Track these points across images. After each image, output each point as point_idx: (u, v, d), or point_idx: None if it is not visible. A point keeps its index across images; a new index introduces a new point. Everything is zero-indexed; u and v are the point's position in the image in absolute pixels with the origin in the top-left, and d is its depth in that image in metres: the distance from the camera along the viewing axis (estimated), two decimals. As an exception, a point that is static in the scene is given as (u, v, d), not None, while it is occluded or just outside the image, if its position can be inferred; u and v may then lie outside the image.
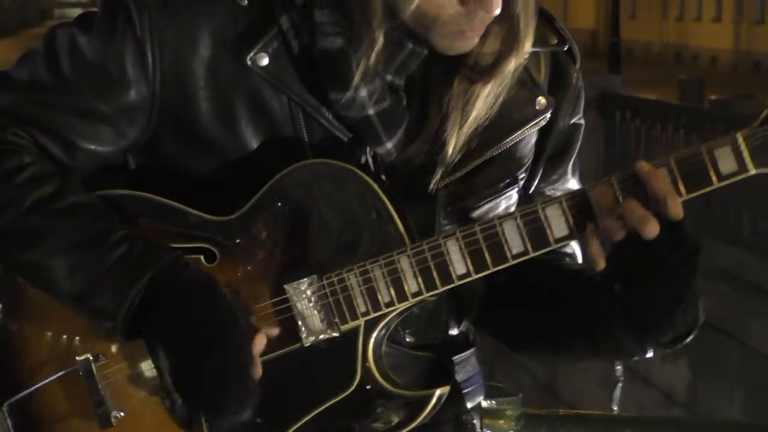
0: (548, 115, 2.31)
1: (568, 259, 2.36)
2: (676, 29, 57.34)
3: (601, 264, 2.11)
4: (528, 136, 2.31)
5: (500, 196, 2.28)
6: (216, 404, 2.01)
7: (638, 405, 14.12)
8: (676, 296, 2.10)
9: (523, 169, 2.32)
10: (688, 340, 2.26)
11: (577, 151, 2.39)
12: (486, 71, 2.21)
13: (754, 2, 56.32)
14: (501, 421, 2.50)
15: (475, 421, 2.33)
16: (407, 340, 2.23)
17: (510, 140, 2.27)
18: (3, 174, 2.11)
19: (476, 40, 2.19)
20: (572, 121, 2.39)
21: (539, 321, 2.30)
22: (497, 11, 2.14)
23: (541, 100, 2.29)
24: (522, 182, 2.33)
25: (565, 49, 2.36)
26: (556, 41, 2.33)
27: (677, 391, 14.13)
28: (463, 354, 2.29)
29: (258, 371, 2.05)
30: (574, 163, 2.38)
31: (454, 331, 2.31)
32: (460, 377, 2.29)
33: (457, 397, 2.26)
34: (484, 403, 2.42)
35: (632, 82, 31.15)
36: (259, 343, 2.07)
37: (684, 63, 50.82)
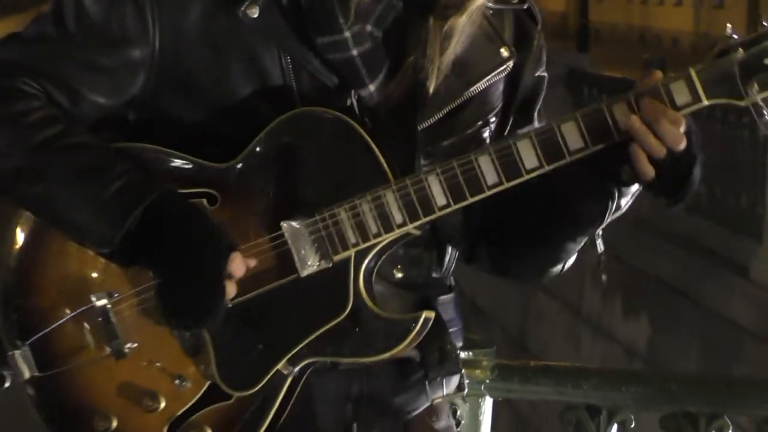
0: (511, 63, 2.32)
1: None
2: (640, 12, 56.76)
3: None
4: (495, 83, 2.33)
5: (474, 137, 2.28)
6: (191, 313, 2.06)
7: (603, 358, 14.11)
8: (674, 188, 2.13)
9: (493, 113, 2.34)
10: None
11: (542, 99, 2.41)
12: (458, 6, 2.23)
13: None
14: (477, 371, 2.51)
15: (458, 352, 2.34)
16: (396, 276, 2.24)
17: (479, 86, 2.29)
18: (12, 117, 2.14)
19: None
20: (536, 74, 2.42)
21: (519, 228, 2.33)
22: None
23: (504, 52, 2.31)
24: (493, 125, 2.34)
25: (525, 7, 2.38)
26: (516, 0, 2.36)
27: (638, 346, 14.12)
28: (443, 297, 2.31)
29: (231, 290, 2.07)
30: (539, 111, 2.41)
31: (436, 274, 2.32)
32: (442, 317, 2.31)
33: (441, 329, 2.26)
34: (462, 354, 2.44)
35: (599, 61, 30.98)
36: (239, 268, 2.07)
37: (648, 44, 50.24)
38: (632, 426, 2.59)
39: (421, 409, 2.38)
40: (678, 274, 13.76)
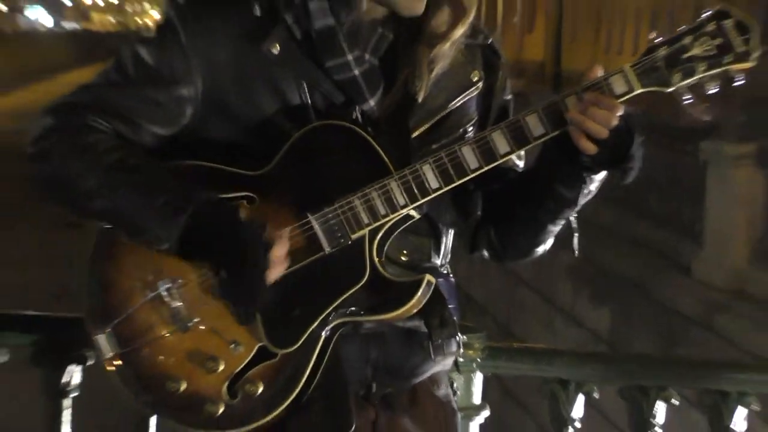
0: (480, 85, 2.39)
1: (512, 174, 2.42)
2: (603, 60, 56.76)
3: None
4: (470, 100, 2.39)
5: (455, 141, 2.28)
6: (246, 299, 2.13)
7: (573, 341, 14.13)
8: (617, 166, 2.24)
9: (471, 123, 2.39)
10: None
11: (511, 116, 2.39)
12: (443, 36, 2.29)
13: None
14: (470, 351, 2.52)
15: (455, 318, 2.35)
16: (402, 259, 2.28)
17: (457, 101, 2.35)
18: (86, 147, 2.18)
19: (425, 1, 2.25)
20: (504, 98, 2.49)
21: (509, 217, 2.41)
22: None
23: (474, 76, 2.38)
24: (471, 133, 2.38)
25: (489, 43, 2.44)
26: (482, 38, 2.41)
27: (601, 331, 14.13)
28: (441, 279, 2.33)
29: (275, 272, 2.12)
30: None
31: (434, 260, 2.35)
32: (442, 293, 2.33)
33: (440, 300, 2.30)
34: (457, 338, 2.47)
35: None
36: (278, 252, 2.11)
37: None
38: (596, 396, 2.60)
39: (426, 374, 2.42)
40: (635, 273, 13.76)
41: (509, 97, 2.50)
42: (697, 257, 12.96)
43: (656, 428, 2.56)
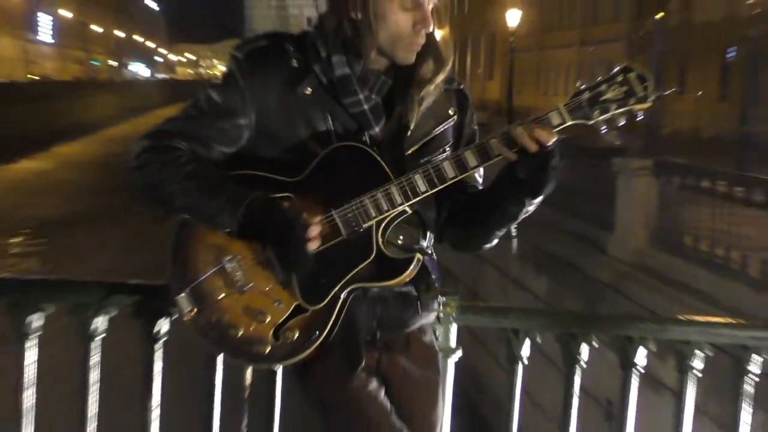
0: (455, 118, 2.41)
1: (473, 189, 2.41)
2: (541, 100, 56.61)
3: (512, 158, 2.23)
4: (447, 128, 2.39)
5: (437, 158, 2.32)
6: (292, 265, 2.19)
7: (521, 301, 14.13)
8: (545, 178, 2.23)
9: (448, 145, 2.38)
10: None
11: (477, 140, 2.39)
12: (429, 81, 2.32)
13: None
14: (448, 309, 2.50)
15: (437, 285, 2.39)
16: (398, 242, 2.28)
17: (438, 129, 2.36)
18: (170, 161, 2.21)
19: (419, 47, 2.29)
20: (472, 127, 2.48)
21: (467, 218, 2.41)
22: (431, 28, 2.26)
23: (451, 111, 2.40)
24: (449, 152, 2.36)
25: (461, 88, 2.46)
26: (456, 84, 2.42)
27: (541, 294, 14.11)
28: (427, 257, 2.33)
29: (312, 245, 2.16)
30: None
31: (423, 243, 2.34)
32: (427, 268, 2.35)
33: (426, 272, 2.33)
34: (440, 298, 2.48)
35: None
36: (313, 232, 2.15)
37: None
38: (538, 340, 2.59)
39: (416, 326, 2.42)
40: (566, 252, 13.76)
41: (476, 127, 2.49)
42: (610, 241, 13.03)
43: (581, 363, 2.55)
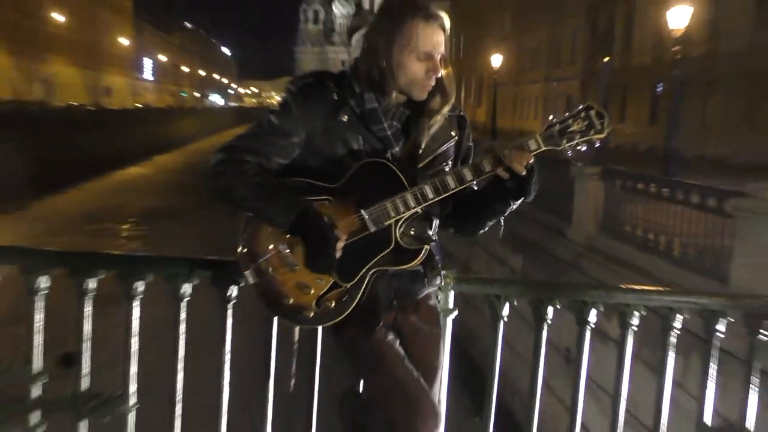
0: (456, 138, 2.37)
1: (470, 190, 2.34)
2: (518, 123, 56.10)
3: (505, 176, 2.22)
4: (450, 147, 2.35)
5: (441, 171, 2.29)
6: (321, 265, 2.18)
7: (501, 274, 14.09)
8: (526, 188, 2.25)
9: (450, 160, 2.34)
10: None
11: (472, 156, 2.43)
12: (437, 112, 2.29)
13: (559, 108, 53.66)
14: (447, 279, 2.49)
15: (440, 266, 2.38)
16: (411, 233, 2.25)
17: (443, 148, 2.32)
18: (241, 171, 2.19)
19: (430, 86, 2.27)
20: (468, 145, 2.42)
21: (466, 212, 2.38)
22: (441, 74, 2.25)
23: (453, 133, 2.36)
24: (451, 165, 2.35)
25: (461, 114, 2.40)
26: (457, 111, 2.37)
27: (516, 268, 14.06)
28: (434, 243, 2.30)
29: (339, 250, 2.16)
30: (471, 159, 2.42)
31: (429, 233, 2.31)
32: (433, 252, 2.31)
33: (432, 256, 2.30)
34: (442, 272, 2.47)
35: (502, 144, 30.74)
36: (339, 244, 2.15)
37: (511, 137, 49.45)
38: (515, 304, 2.57)
39: (423, 294, 2.40)
40: (535, 237, 13.67)
41: (471, 144, 2.45)
42: (569, 228, 12.99)
43: (547, 321, 2.53)
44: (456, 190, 2.25)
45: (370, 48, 2.27)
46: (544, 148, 2.23)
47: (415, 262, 2.27)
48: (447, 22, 2.28)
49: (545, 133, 2.24)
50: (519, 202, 2.33)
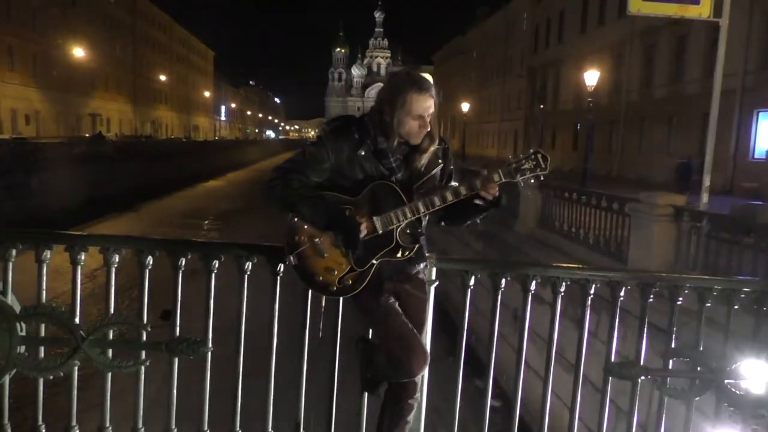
0: (442, 165, 2.32)
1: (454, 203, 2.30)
2: (482, 150, 56.34)
3: (488, 197, 2.21)
4: (437, 172, 2.30)
5: (431, 190, 2.23)
6: (350, 245, 2.13)
7: (468, 255, 14.06)
8: (495, 206, 2.25)
9: (437, 180, 2.29)
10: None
11: (454, 175, 2.39)
12: (426, 150, 2.25)
13: (509, 140, 54.96)
14: (430, 260, 2.48)
15: (426, 254, 2.36)
16: (407, 232, 2.21)
17: (432, 172, 2.28)
18: (290, 186, 2.16)
19: (422, 135, 2.23)
20: (450, 168, 2.36)
21: (453, 215, 2.32)
22: (428, 128, 2.22)
23: (440, 160, 2.30)
24: (438, 183, 2.30)
25: (446, 146, 2.35)
26: (443, 144, 2.32)
27: (478, 251, 14.01)
28: (423, 237, 2.27)
29: (362, 235, 2.13)
30: (452, 180, 2.37)
31: (419, 230, 2.25)
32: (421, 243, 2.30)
33: (422, 249, 2.29)
34: (426, 254, 2.42)
35: (471, 165, 30.71)
36: (362, 232, 2.12)
37: (476, 159, 49.85)
38: (478, 277, 2.52)
39: (414, 271, 2.35)
40: (492, 229, 13.60)
41: (452, 167, 2.40)
42: (516, 223, 12.88)
43: (501, 288, 2.49)
44: (440, 206, 2.22)
45: (380, 109, 2.25)
46: (504, 180, 2.20)
47: (409, 256, 2.26)
48: (434, 90, 2.25)
49: (505, 169, 2.21)
50: (489, 213, 2.30)
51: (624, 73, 30.81)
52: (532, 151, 2.23)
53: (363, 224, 2.18)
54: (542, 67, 42.14)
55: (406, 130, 2.22)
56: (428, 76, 2.26)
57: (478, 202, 2.25)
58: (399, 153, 2.27)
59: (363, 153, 2.22)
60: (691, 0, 8.47)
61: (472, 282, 2.52)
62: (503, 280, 2.49)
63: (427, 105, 2.20)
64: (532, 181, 2.23)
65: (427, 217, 2.34)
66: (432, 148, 2.30)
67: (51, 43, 42.34)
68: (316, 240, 2.21)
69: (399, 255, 2.25)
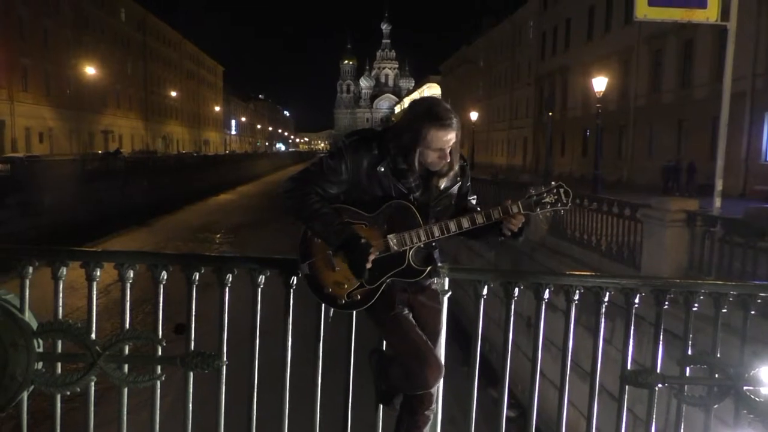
0: (460, 182, 2.30)
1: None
2: (491, 158, 56.49)
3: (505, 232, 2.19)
4: (454, 190, 2.28)
5: (448, 207, 2.24)
6: (357, 272, 2.11)
7: (480, 265, 13.96)
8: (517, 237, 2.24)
9: (455, 198, 2.27)
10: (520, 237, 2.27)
11: (470, 191, 2.38)
12: (445, 175, 2.22)
13: (518, 146, 55.24)
14: (443, 270, 2.44)
15: (439, 267, 2.33)
16: (421, 262, 2.21)
17: (450, 191, 2.26)
18: (306, 199, 2.14)
19: (442, 164, 2.20)
20: (467, 186, 2.35)
21: (472, 236, 2.25)
22: (448, 159, 2.19)
23: (458, 177, 2.27)
24: (455, 202, 2.28)
25: (465, 164, 2.32)
26: (462, 162, 2.30)
27: (492, 261, 13.94)
28: (436, 251, 2.26)
29: (369, 262, 2.09)
30: (468, 198, 2.36)
31: (433, 245, 2.25)
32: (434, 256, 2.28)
33: (436, 264, 2.27)
34: (439, 264, 2.41)
35: (478, 173, 30.50)
36: (372, 254, 2.09)
37: (485, 167, 49.12)
38: (491, 286, 2.51)
39: (428, 282, 2.34)
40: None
41: (469, 183, 2.38)
42: (527, 231, 12.83)
43: (514, 297, 2.47)
44: (455, 233, 2.19)
45: (402, 139, 2.20)
46: (523, 212, 2.17)
47: (421, 277, 2.24)
48: (456, 123, 2.20)
49: (525, 201, 2.18)
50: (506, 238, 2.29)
51: (632, 78, 30.72)
52: (554, 184, 2.19)
53: (371, 256, 2.14)
54: (550, 74, 42.12)
55: (426, 160, 2.20)
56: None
57: (505, 232, 2.21)
58: (418, 174, 2.24)
59: (382, 170, 2.20)
60: (698, 4, 8.44)
61: (485, 291, 2.50)
62: (516, 289, 2.46)
63: (448, 138, 2.15)
64: (549, 214, 2.20)
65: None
66: (450, 174, 2.26)
67: (64, 63, 43.00)
68: (328, 252, 2.19)
69: (408, 277, 2.22)
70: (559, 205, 2.18)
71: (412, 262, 2.20)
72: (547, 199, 2.17)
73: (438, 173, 2.26)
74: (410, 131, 2.17)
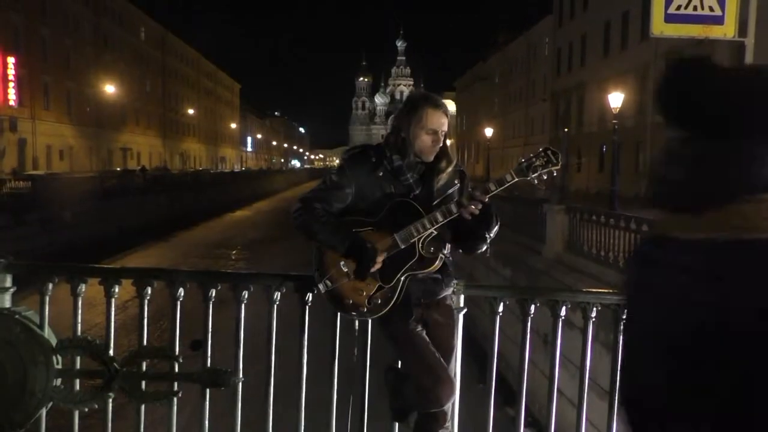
0: (458, 185, 2.34)
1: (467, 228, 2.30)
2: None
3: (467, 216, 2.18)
4: (454, 190, 2.32)
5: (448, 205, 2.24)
6: (363, 272, 2.17)
7: (495, 281, 13.90)
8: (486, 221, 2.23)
9: (455, 200, 2.25)
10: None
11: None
12: (443, 170, 2.28)
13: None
14: (458, 286, 2.46)
15: (452, 275, 2.35)
16: (431, 250, 2.22)
17: (449, 191, 2.30)
18: (314, 215, 2.20)
19: (436, 150, 2.26)
20: (468, 191, 2.33)
21: (464, 236, 2.28)
22: (441, 144, 2.26)
23: (456, 181, 2.33)
24: (455, 200, 2.26)
25: (462, 169, 2.39)
26: (459, 166, 2.36)
27: (507, 277, 13.85)
28: (447, 258, 2.29)
29: (377, 265, 2.16)
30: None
31: (446, 251, 2.29)
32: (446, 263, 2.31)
33: (447, 267, 2.29)
34: (454, 281, 2.41)
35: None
36: (381, 255, 2.15)
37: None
38: (507, 303, 2.51)
39: (442, 295, 2.34)
40: (519, 254, 13.44)
41: (470, 189, 2.36)
42: (543, 248, 12.73)
43: (530, 314, 2.47)
44: (456, 214, 2.19)
45: (396, 125, 2.31)
46: (516, 179, 2.20)
47: (435, 266, 2.26)
48: (448, 109, 2.33)
49: (516, 168, 2.23)
50: (494, 227, 2.27)
51: (649, 94, 30.57)
52: (541, 148, 2.25)
53: (379, 251, 2.19)
54: (565, 90, 42.07)
55: (419, 145, 2.27)
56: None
57: (465, 216, 2.21)
58: (415, 171, 2.31)
59: (381, 173, 2.27)
60: (715, 20, 8.39)
61: (501, 308, 2.50)
62: (533, 306, 2.46)
63: (441, 121, 2.27)
64: (545, 177, 2.23)
65: (450, 236, 2.35)
66: (449, 169, 2.34)
67: (84, 81, 43.80)
68: (341, 263, 2.24)
69: (424, 268, 2.26)
70: (549, 165, 2.21)
71: (422, 252, 2.24)
72: (537, 162, 2.21)
73: (436, 168, 2.32)
74: (406, 114, 2.28)
